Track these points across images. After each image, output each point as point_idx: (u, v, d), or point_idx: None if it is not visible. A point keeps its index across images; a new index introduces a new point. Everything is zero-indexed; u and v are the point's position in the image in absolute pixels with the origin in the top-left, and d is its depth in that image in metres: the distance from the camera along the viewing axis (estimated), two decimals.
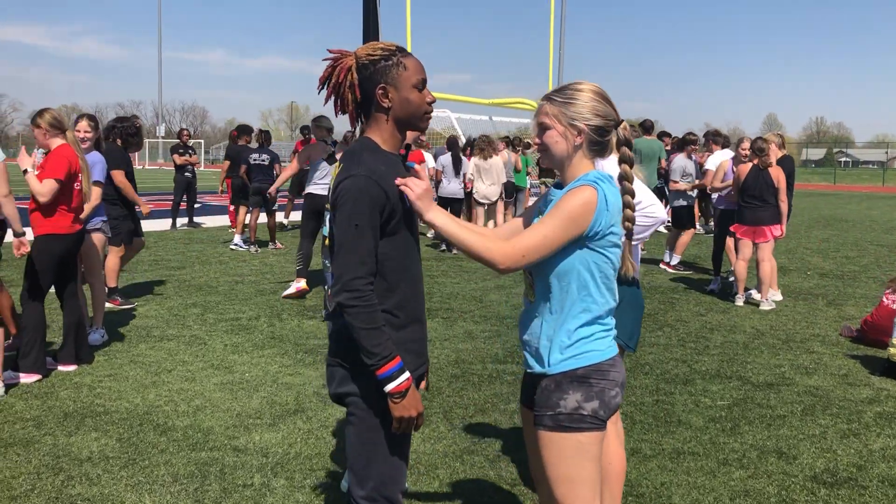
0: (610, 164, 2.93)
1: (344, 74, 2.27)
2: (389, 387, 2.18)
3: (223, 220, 16.77)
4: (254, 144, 12.92)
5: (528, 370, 2.38)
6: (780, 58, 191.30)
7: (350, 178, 2.17)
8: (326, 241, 2.40)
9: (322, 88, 2.32)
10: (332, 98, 2.32)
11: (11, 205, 5.24)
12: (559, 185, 2.40)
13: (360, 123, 2.36)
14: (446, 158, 12.78)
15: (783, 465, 4.11)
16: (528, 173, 15.20)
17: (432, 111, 2.37)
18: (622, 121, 2.37)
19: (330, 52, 2.32)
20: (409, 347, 2.32)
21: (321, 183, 8.51)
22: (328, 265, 2.47)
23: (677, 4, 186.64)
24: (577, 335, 2.26)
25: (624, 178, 2.38)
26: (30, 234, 5.47)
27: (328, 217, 2.38)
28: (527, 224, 2.50)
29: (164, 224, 15.73)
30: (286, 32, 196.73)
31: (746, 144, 8.94)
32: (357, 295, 2.14)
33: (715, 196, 9.61)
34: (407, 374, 2.21)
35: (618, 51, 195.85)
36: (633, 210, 2.37)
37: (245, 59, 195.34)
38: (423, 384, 2.48)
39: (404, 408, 2.21)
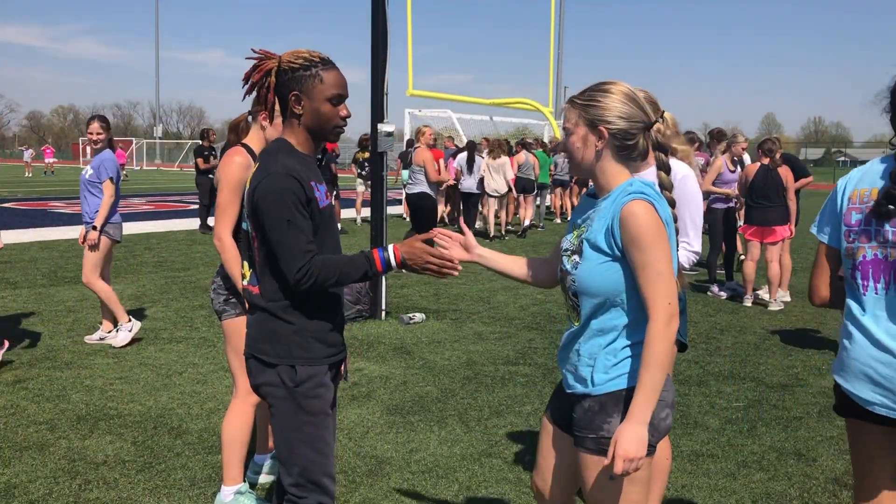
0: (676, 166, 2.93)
1: (261, 76, 2.36)
2: (394, 265, 2.34)
3: None
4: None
5: (569, 391, 2.25)
6: (778, 57, 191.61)
7: (269, 176, 2.25)
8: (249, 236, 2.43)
9: (245, 84, 2.43)
10: (253, 94, 2.45)
11: None
12: (594, 195, 2.24)
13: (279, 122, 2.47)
14: (462, 158, 14.63)
15: (803, 466, 4.09)
16: (549, 172, 16.65)
17: (344, 125, 2.43)
18: (654, 122, 2.16)
19: (254, 51, 2.41)
20: (320, 336, 2.38)
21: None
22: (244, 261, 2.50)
23: (676, 4, 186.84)
24: (623, 354, 2.13)
25: (661, 187, 2.21)
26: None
27: (245, 212, 2.43)
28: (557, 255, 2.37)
29: (167, 226, 15.71)
30: (284, 32, 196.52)
31: (744, 144, 8.94)
32: (308, 277, 2.24)
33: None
34: (390, 250, 2.35)
35: (616, 50, 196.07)
36: (676, 221, 2.25)
37: (243, 59, 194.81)
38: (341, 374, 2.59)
39: (416, 263, 2.34)
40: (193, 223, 16.18)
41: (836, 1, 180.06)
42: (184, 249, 12.13)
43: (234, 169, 3.28)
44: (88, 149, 6.42)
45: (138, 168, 59.82)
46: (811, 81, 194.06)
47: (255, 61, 2.40)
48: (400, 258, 2.34)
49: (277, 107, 2.70)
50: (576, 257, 2.16)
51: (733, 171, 8.83)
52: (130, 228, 14.87)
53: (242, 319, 3.42)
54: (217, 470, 3.89)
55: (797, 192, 8.89)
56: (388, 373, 5.64)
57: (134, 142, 65.27)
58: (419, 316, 7.37)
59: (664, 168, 2.24)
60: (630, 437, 2.02)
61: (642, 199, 2.05)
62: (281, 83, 2.35)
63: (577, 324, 2.20)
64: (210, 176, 14.43)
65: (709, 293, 8.98)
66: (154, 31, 62.80)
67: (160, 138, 70.10)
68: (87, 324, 7.01)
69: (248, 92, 2.41)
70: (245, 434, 3.43)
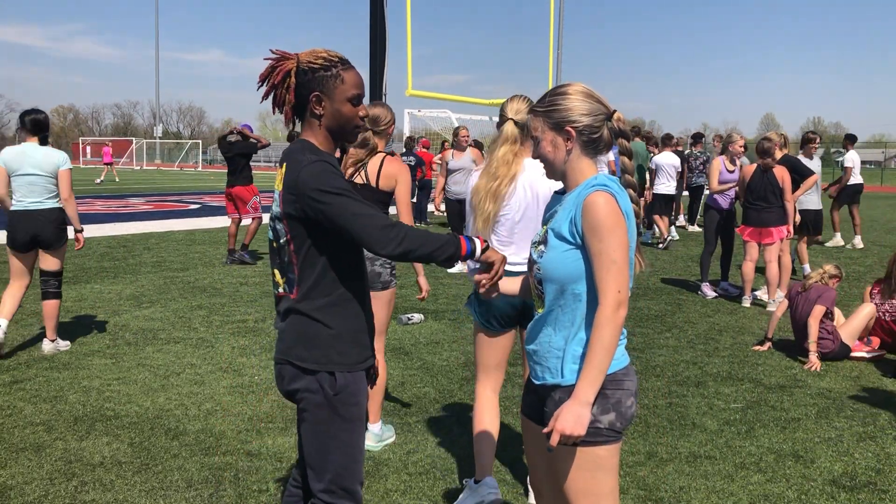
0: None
1: (282, 76, 2.33)
2: (478, 253, 2.33)
3: (224, 222, 16.72)
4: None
5: (537, 382, 2.29)
6: (777, 58, 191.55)
7: (306, 166, 2.23)
8: (275, 244, 2.41)
9: (262, 85, 2.39)
10: (270, 96, 2.40)
11: (73, 206, 6.09)
12: (562, 192, 2.33)
13: (293, 124, 2.46)
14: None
15: (801, 468, 4.08)
16: None
17: (363, 125, 2.43)
18: (614, 111, 2.27)
19: (272, 52, 2.38)
20: (357, 339, 2.38)
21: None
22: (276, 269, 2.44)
23: (675, 5, 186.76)
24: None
25: (625, 172, 2.30)
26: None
27: (274, 215, 2.40)
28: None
29: (166, 226, 15.69)
30: (284, 32, 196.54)
31: (741, 142, 8.92)
32: (399, 236, 2.20)
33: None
34: (477, 242, 2.34)
35: (616, 51, 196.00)
36: (639, 205, 2.31)
37: (243, 59, 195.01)
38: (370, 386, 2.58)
39: (493, 260, 2.36)
40: (192, 223, 16.20)
41: (836, 1, 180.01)
42: (183, 250, 12.12)
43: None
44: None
45: (138, 168, 59.78)
46: (810, 82, 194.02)
47: (271, 62, 2.36)
48: (484, 246, 2.34)
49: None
50: (542, 247, 2.25)
51: (731, 172, 8.83)
52: (129, 228, 14.87)
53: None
54: (214, 471, 3.89)
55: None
56: (386, 373, 5.63)
57: (134, 141, 65.30)
58: (417, 316, 7.36)
59: (626, 154, 2.32)
60: (571, 414, 2.09)
61: (604, 191, 2.14)
62: (301, 84, 2.32)
63: (540, 311, 2.28)
64: None
65: (698, 292, 8.97)
66: (154, 31, 62.79)
67: (160, 138, 70.04)
68: (84, 324, 7.00)
69: (268, 93, 2.38)
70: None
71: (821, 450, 4.34)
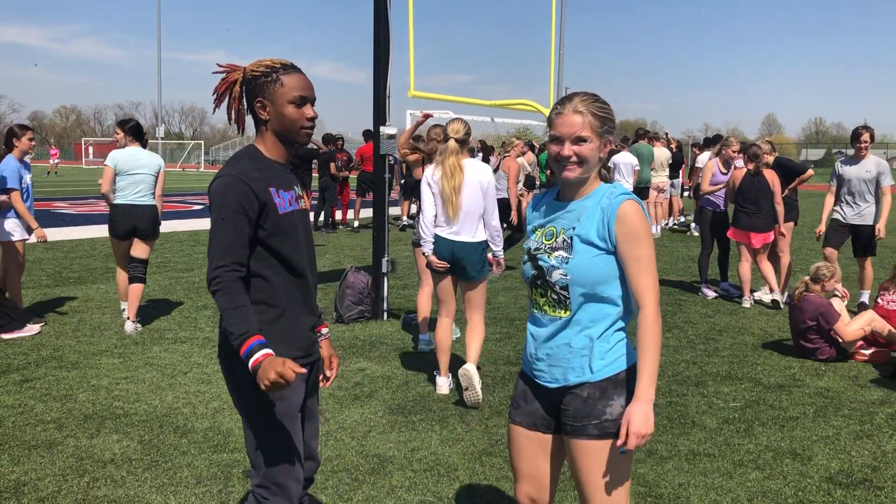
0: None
1: (226, 87, 2.47)
2: (250, 363, 2.18)
3: None
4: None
5: (554, 385, 2.35)
6: (779, 59, 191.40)
7: (219, 178, 2.34)
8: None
9: (214, 97, 2.53)
10: (223, 105, 2.53)
11: (161, 201, 7.15)
12: (558, 198, 2.40)
13: (251, 132, 2.56)
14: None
15: (798, 466, 4.15)
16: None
17: (311, 126, 2.49)
18: None
19: (220, 65, 2.51)
20: (285, 339, 2.43)
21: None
22: None
23: (677, 6, 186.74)
24: (614, 339, 2.30)
25: None
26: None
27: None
28: None
29: (170, 226, 15.76)
30: (286, 33, 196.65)
31: (736, 146, 9.00)
32: (217, 281, 2.27)
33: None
34: (265, 350, 2.19)
35: (618, 52, 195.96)
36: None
37: (245, 59, 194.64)
38: (324, 383, 2.70)
39: (264, 372, 2.15)
40: (195, 224, 16.28)
41: (838, 1, 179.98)
42: (187, 250, 12.20)
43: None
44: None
45: None
46: (812, 82, 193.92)
47: (222, 75, 2.50)
48: (255, 364, 2.18)
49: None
50: (561, 252, 2.29)
51: (725, 174, 8.91)
52: None
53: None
54: (223, 468, 3.97)
55: (795, 190, 8.95)
56: (389, 372, 5.71)
57: None
58: None
59: (606, 181, 2.43)
60: (641, 415, 2.18)
61: (633, 200, 2.26)
62: (246, 92, 2.46)
63: (565, 315, 2.32)
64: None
65: (699, 293, 9.04)
66: (156, 32, 62.87)
67: (162, 139, 70.11)
68: (91, 324, 7.08)
69: (217, 104, 2.51)
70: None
71: (818, 448, 4.41)
